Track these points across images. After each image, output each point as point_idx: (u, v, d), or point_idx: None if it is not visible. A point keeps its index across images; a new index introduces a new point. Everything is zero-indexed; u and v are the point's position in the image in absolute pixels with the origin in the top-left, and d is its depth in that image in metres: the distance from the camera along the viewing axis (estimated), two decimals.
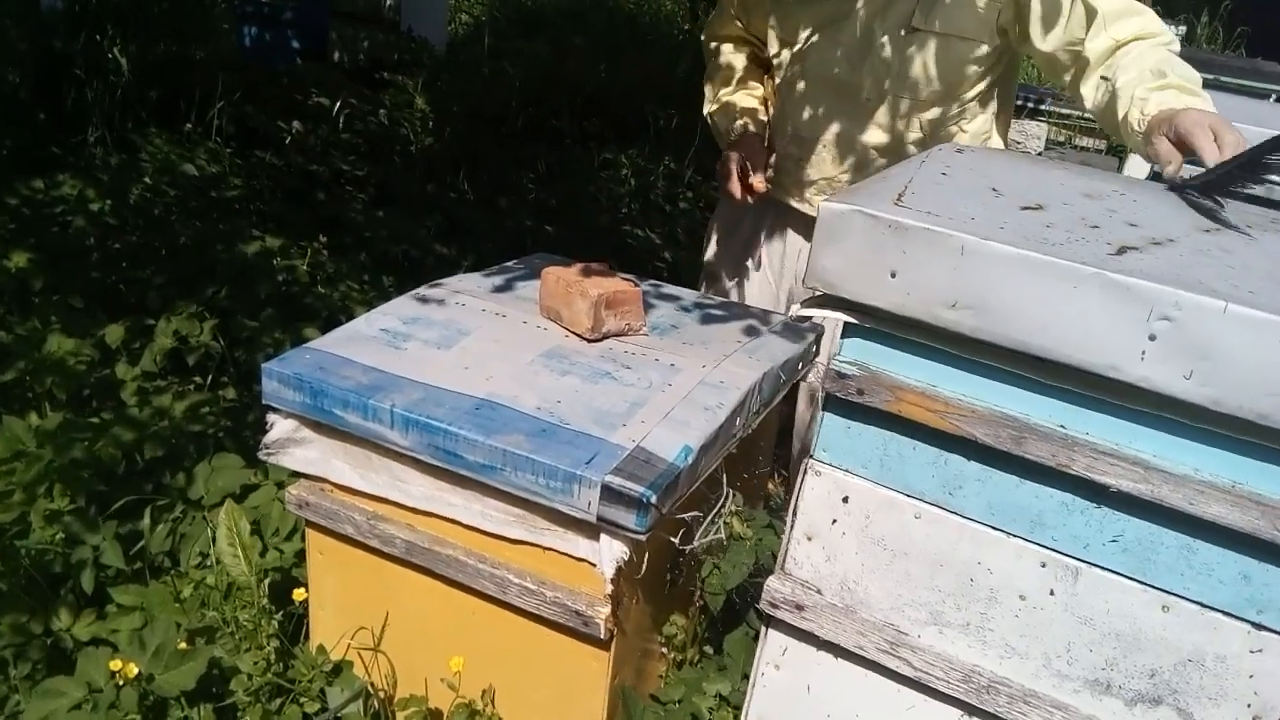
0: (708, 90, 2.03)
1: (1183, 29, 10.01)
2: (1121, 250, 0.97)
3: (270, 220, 3.18)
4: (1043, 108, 4.95)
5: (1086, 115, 5.03)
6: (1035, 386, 0.98)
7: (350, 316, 2.63)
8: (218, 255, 2.62)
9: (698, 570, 1.37)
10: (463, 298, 1.61)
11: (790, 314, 1.24)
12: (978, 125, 1.77)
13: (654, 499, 1.14)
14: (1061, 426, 0.98)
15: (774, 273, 2.01)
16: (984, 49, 1.66)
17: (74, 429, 2.01)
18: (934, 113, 1.73)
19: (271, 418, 1.39)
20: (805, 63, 1.80)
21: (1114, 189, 1.21)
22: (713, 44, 2.04)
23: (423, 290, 1.64)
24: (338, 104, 4.25)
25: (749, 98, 1.97)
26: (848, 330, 1.06)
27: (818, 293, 1.08)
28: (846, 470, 1.11)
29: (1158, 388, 0.91)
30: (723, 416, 1.34)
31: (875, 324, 1.04)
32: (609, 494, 1.16)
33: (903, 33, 1.66)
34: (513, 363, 1.41)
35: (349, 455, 1.38)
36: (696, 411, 1.33)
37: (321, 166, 3.75)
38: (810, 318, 1.08)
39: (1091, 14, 1.54)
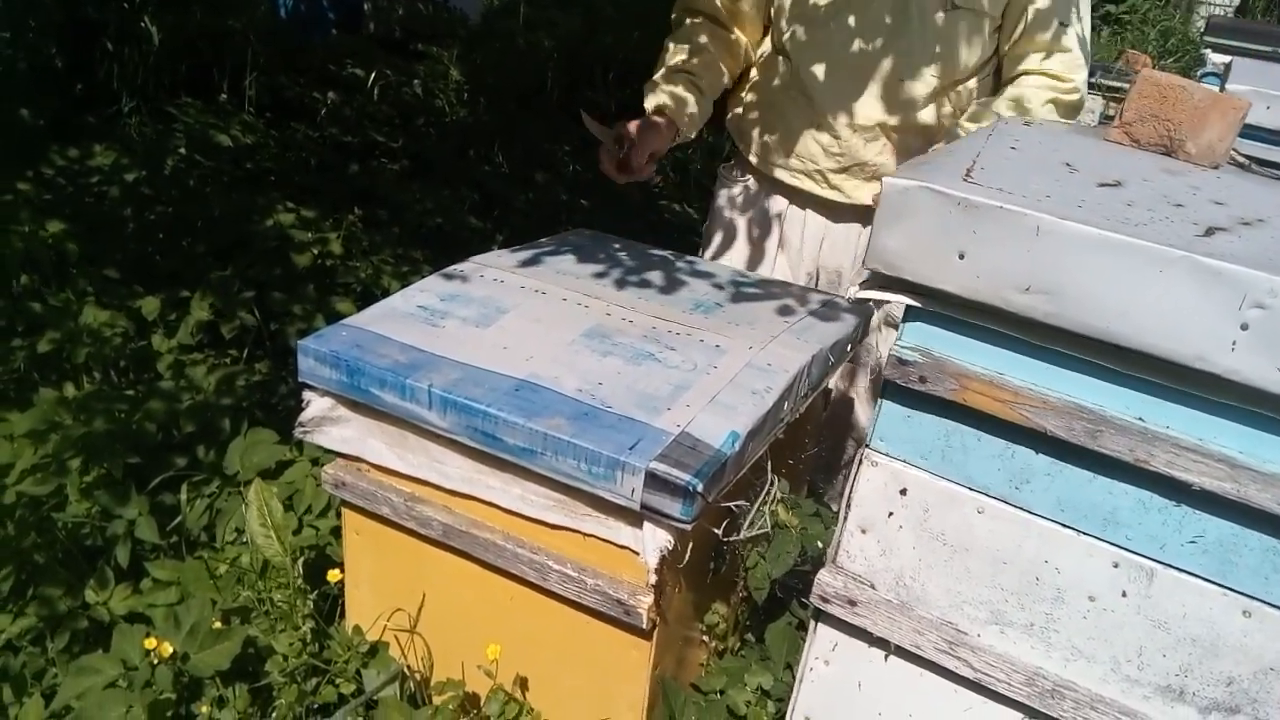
0: (660, 59, 1.87)
1: (1235, 0, 9.72)
2: (1209, 231, 0.91)
3: (305, 192, 3.15)
4: (1094, 80, 4.80)
5: (1130, 84, 4.88)
6: (1112, 377, 0.92)
7: (383, 290, 2.61)
8: (252, 227, 2.59)
9: (741, 559, 1.33)
10: (501, 274, 1.57)
11: (848, 296, 1.19)
12: (987, 96, 1.74)
13: (700, 487, 1.10)
14: (1140, 419, 0.92)
15: (791, 259, 1.92)
16: (998, 22, 1.66)
17: (108, 401, 2.00)
18: (965, 88, 1.69)
19: (308, 395, 1.36)
20: (828, 45, 1.70)
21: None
22: (685, 18, 1.87)
23: (460, 266, 1.60)
24: (372, 75, 4.21)
25: (687, 89, 1.82)
26: (910, 314, 1.01)
27: (874, 273, 1.02)
28: (905, 461, 1.06)
29: (1248, 380, 0.85)
30: (770, 401, 1.29)
31: (940, 308, 0.98)
32: (654, 481, 1.11)
33: (943, 11, 1.61)
34: (553, 342, 1.37)
35: (386, 435, 1.34)
36: (743, 396, 1.28)
37: (356, 138, 3.72)
38: (869, 300, 1.02)
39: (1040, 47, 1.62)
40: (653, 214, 3.99)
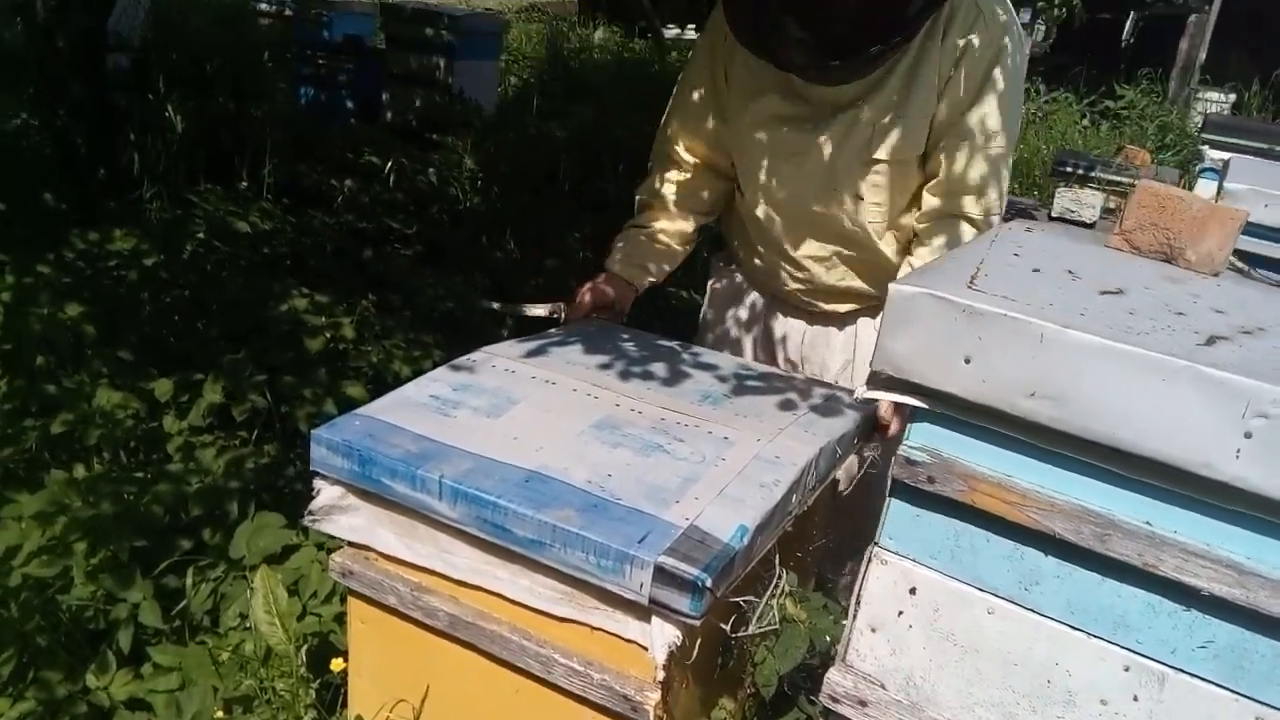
0: (652, 211, 1.92)
1: (1231, 96, 9.97)
2: (1211, 340, 0.93)
3: (320, 277, 3.21)
4: (1094, 174, 4.90)
5: (1140, 181, 4.98)
6: (1119, 480, 0.93)
7: (394, 374, 2.64)
8: (267, 312, 2.63)
9: (749, 654, 1.32)
10: (511, 364, 1.59)
11: (856, 396, 1.21)
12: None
13: (709, 583, 1.10)
14: (1148, 524, 0.93)
15: (776, 351, 1.98)
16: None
17: (117, 483, 2.01)
18: (908, 218, 1.76)
19: (319, 484, 1.37)
20: (776, 195, 1.78)
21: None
22: (671, 154, 1.90)
23: (471, 357, 1.62)
24: (389, 163, 4.32)
25: (657, 242, 1.89)
26: (917, 415, 1.02)
27: (881, 374, 1.04)
28: (914, 560, 1.06)
29: (1253, 488, 0.86)
30: (779, 495, 1.29)
31: (947, 410, 1.00)
32: (662, 575, 1.12)
33: (864, 165, 1.68)
34: (563, 433, 1.38)
35: (395, 524, 1.35)
36: (752, 488, 1.29)
37: (371, 225, 3.80)
38: (878, 400, 1.04)
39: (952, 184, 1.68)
40: (660, 300, 4.04)
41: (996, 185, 1.68)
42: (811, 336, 1.94)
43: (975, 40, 1.59)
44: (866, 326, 1.89)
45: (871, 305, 1.86)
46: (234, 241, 3.16)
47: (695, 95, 1.84)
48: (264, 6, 8.87)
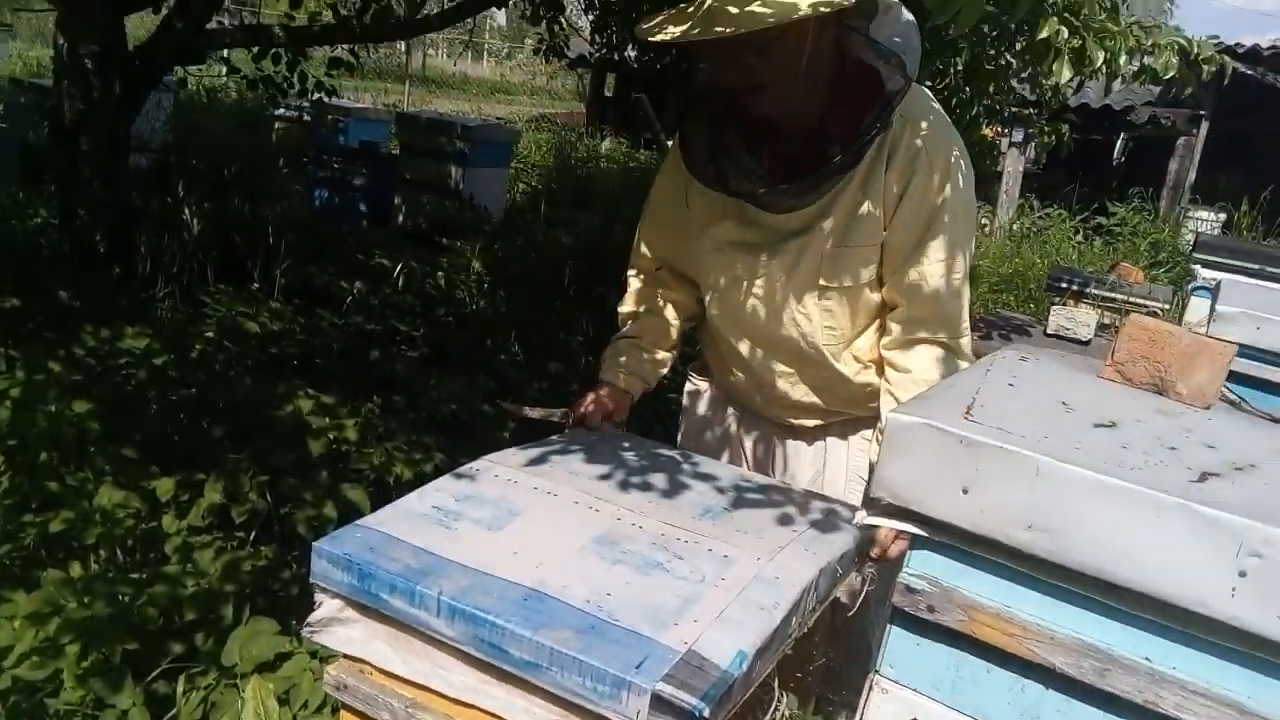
0: (635, 321, 1.96)
1: (1222, 216, 10.21)
2: (1204, 477, 0.95)
3: (326, 377, 3.24)
4: (1088, 290, 4.98)
5: (1133, 299, 5.06)
6: (1119, 615, 0.94)
7: (395, 477, 2.65)
8: (271, 412, 2.66)
9: None
10: (513, 474, 1.61)
11: (856, 521, 1.22)
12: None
13: (706, 712, 1.09)
14: (1148, 660, 0.93)
15: (749, 461, 2.02)
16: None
17: (112, 584, 2.00)
18: (865, 339, 1.80)
19: (319, 597, 1.36)
20: (738, 316, 1.83)
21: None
22: (646, 268, 1.97)
23: (474, 465, 1.63)
24: (398, 266, 4.41)
25: (646, 351, 1.92)
26: (917, 542, 1.03)
27: (880, 501, 1.05)
28: (915, 690, 1.06)
29: (1250, 627, 0.86)
30: (779, 617, 1.29)
31: (946, 539, 1.01)
32: (659, 703, 1.11)
33: (814, 290, 1.73)
34: (563, 548, 1.38)
35: (392, 639, 1.34)
36: (752, 611, 1.28)
37: (378, 326, 3.85)
38: (877, 527, 1.05)
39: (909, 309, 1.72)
40: (660, 404, 4.06)
41: (960, 308, 1.71)
42: (781, 449, 1.97)
43: (920, 167, 1.63)
44: (835, 444, 1.92)
45: (836, 421, 1.90)
46: (243, 341, 3.21)
47: (663, 212, 1.92)
48: (281, 111, 9.17)
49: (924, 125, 1.64)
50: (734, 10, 1.48)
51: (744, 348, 1.86)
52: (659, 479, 1.66)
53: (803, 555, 1.45)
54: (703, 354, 2.07)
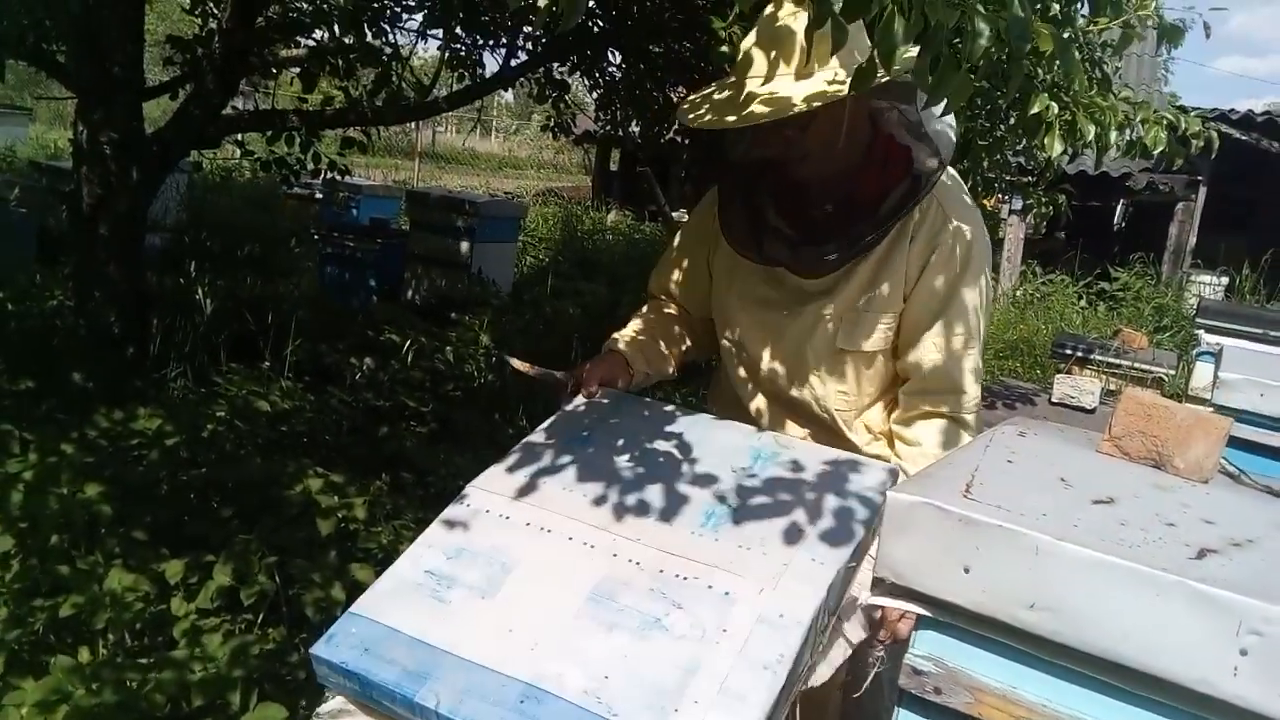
0: (646, 318, 2.00)
1: (1224, 280, 10.27)
2: (1202, 554, 0.96)
3: (336, 454, 3.26)
4: (1092, 357, 5.00)
5: (1138, 364, 5.08)
6: (1125, 696, 0.94)
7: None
8: (281, 492, 2.67)
9: None
10: (505, 506, 1.55)
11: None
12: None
13: None
14: None
15: None
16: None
17: (120, 670, 1.99)
18: (876, 412, 1.83)
19: (329, 692, 1.37)
20: (758, 374, 1.87)
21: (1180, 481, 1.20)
22: (659, 295, 2.06)
23: (466, 501, 1.57)
24: (407, 341, 4.46)
25: (646, 338, 1.93)
26: (922, 623, 1.04)
27: (887, 581, 1.06)
28: None
29: (1254, 707, 0.86)
30: (783, 674, 1.25)
31: (950, 619, 1.01)
32: None
33: (830, 353, 1.77)
34: (559, 614, 1.35)
35: None
36: (755, 674, 1.24)
37: (387, 402, 3.89)
38: (882, 608, 1.06)
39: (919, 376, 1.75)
40: None
41: (974, 383, 1.75)
42: None
43: (942, 245, 1.69)
44: None
45: None
46: (253, 420, 3.24)
47: (685, 258, 2.01)
48: (294, 190, 9.36)
49: (949, 204, 1.71)
50: (774, 94, 1.55)
51: (763, 406, 1.89)
52: (656, 485, 1.57)
53: (808, 572, 1.38)
54: (716, 410, 2.05)
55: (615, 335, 1.94)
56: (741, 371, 1.91)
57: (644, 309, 2.05)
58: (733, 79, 1.67)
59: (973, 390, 1.75)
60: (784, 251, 1.74)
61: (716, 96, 1.67)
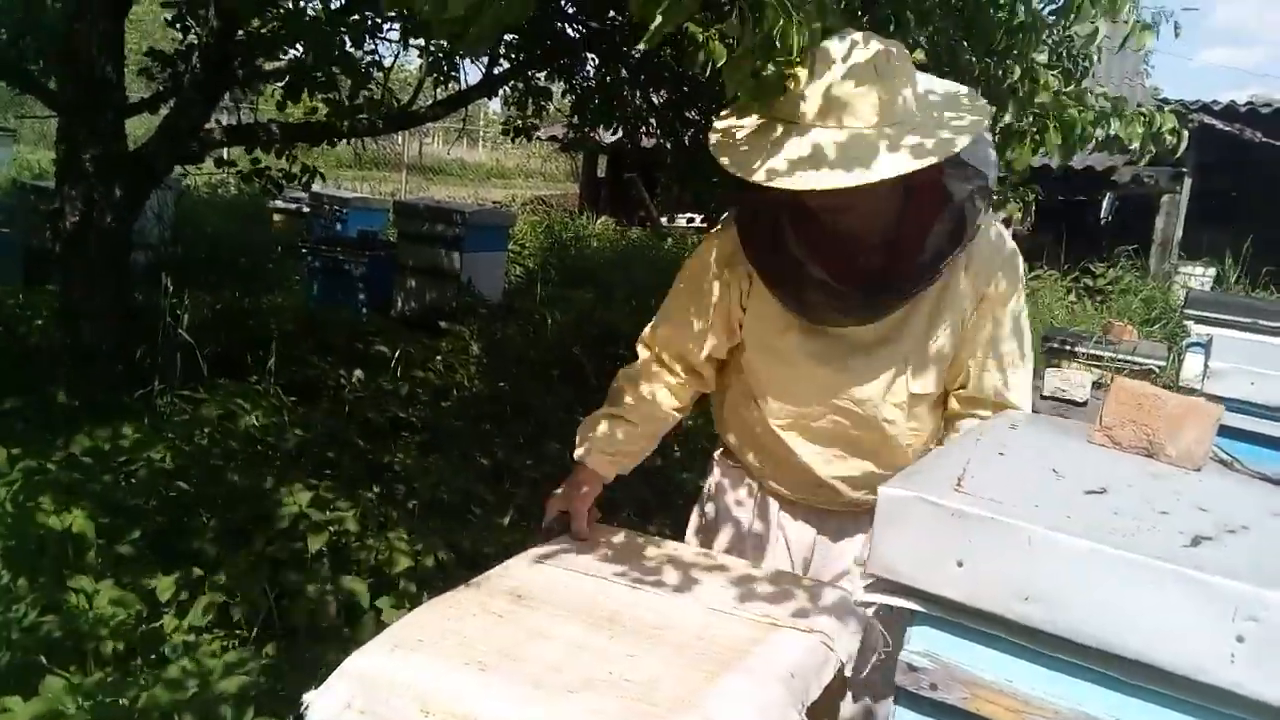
0: (628, 397, 1.84)
1: (1212, 271, 10.32)
2: (1195, 541, 0.95)
3: (325, 466, 3.24)
4: (1082, 351, 5.01)
5: (1128, 357, 5.08)
6: (1122, 686, 0.93)
7: (394, 569, 2.61)
8: (270, 506, 2.65)
9: None
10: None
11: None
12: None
13: None
14: None
15: (788, 561, 1.91)
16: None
17: (113, 690, 1.97)
18: (926, 435, 1.81)
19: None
20: (808, 427, 1.77)
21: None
22: (657, 354, 1.88)
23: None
24: (397, 352, 4.44)
25: (617, 428, 1.81)
26: (917, 619, 1.03)
27: (877, 578, 1.05)
28: None
29: (1252, 694, 0.86)
30: None
31: (945, 614, 1.00)
32: None
33: (898, 399, 1.72)
34: None
35: None
36: None
37: (377, 414, 3.86)
38: (873, 604, 1.05)
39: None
40: (659, 480, 4.05)
41: (1026, 398, 1.75)
42: (821, 538, 1.90)
43: (996, 267, 1.67)
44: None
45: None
46: (241, 435, 3.22)
47: (695, 307, 1.81)
48: (279, 204, 9.34)
49: (994, 227, 1.70)
50: (856, 155, 1.41)
51: (809, 455, 1.79)
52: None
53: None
54: (733, 446, 1.96)
55: (585, 436, 1.80)
56: (786, 427, 1.78)
57: (633, 377, 1.88)
58: (782, 119, 1.48)
59: (1025, 406, 1.73)
60: (838, 311, 1.64)
61: (772, 144, 1.47)
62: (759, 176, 1.44)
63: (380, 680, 1.25)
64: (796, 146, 1.45)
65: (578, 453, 1.80)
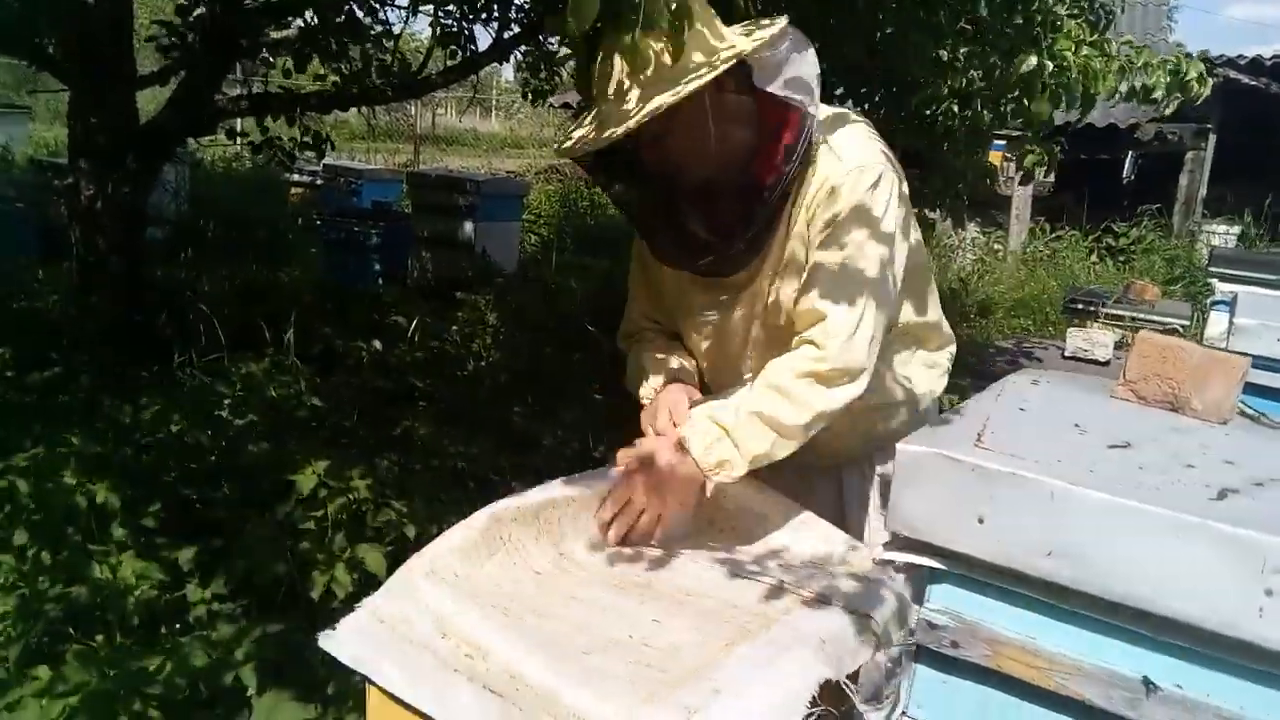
0: (644, 385, 1.84)
1: (1237, 229, 10.14)
2: (1223, 494, 0.93)
3: (343, 436, 3.25)
4: (1103, 310, 4.94)
5: (1152, 316, 5.01)
6: (1147, 642, 0.91)
7: (409, 537, 2.60)
8: (290, 476, 2.66)
9: None
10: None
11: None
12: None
13: None
14: (1179, 687, 0.90)
15: None
16: None
17: (136, 657, 1.99)
18: None
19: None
20: (719, 375, 1.83)
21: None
22: (636, 333, 1.94)
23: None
24: (414, 322, 4.44)
25: (673, 355, 1.86)
26: (936, 576, 1.01)
27: (897, 536, 1.04)
28: None
29: None
30: None
31: (966, 571, 0.99)
32: None
33: (779, 336, 1.69)
34: None
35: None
36: None
37: (394, 384, 3.87)
38: (893, 562, 1.03)
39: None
40: None
41: (855, 333, 1.59)
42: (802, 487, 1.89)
43: (825, 193, 1.59)
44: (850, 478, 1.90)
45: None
46: (260, 406, 3.23)
47: (642, 278, 1.92)
48: (296, 177, 9.33)
49: (832, 148, 1.60)
50: (623, 108, 1.49)
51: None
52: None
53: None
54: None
55: (648, 384, 1.83)
56: (712, 376, 1.86)
57: (640, 345, 1.92)
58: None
59: (844, 332, 1.57)
60: (707, 260, 1.67)
61: (586, 120, 1.59)
62: (568, 154, 1.61)
63: (407, 602, 1.30)
64: (589, 122, 1.57)
65: (643, 390, 1.81)
